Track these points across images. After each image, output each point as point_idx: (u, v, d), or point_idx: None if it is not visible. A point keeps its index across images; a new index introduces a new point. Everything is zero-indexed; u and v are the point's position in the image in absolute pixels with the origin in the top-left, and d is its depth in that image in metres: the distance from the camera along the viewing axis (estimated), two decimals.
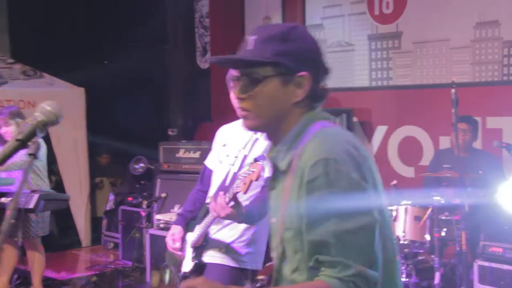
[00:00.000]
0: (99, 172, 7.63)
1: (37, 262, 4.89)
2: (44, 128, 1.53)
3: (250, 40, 1.53)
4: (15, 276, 5.08)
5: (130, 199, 6.50)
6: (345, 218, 1.37)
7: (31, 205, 4.49)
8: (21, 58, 6.80)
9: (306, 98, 1.53)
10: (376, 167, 1.50)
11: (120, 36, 6.98)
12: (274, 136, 1.57)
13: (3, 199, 4.43)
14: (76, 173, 6.82)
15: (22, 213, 4.55)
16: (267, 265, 2.01)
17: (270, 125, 1.55)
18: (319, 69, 1.56)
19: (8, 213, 4.50)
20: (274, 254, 1.59)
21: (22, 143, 1.51)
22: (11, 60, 6.72)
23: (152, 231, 5.41)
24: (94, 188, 7.43)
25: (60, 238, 6.85)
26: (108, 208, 6.91)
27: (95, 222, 7.13)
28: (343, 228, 1.36)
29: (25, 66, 6.70)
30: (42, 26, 6.80)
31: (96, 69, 6.67)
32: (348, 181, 1.39)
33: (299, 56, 1.51)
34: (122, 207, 6.49)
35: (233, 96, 1.55)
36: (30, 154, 1.51)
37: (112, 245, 6.81)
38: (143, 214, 5.83)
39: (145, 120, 6.85)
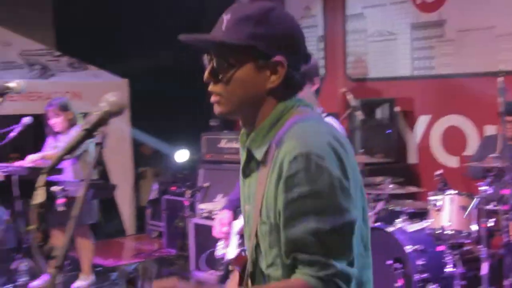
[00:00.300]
0: (142, 162, 7.77)
1: (86, 249, 5.04)
2: (109, 118, 1.58)
3: (225, 19, 1.43)
4: (67, 262, 5.24)
5: (173, 188, 6.62)
6: (325, 216, 1.31)
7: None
8: (67, 51, 6.96)
9: (282, 85, 1.43)
10: (355, 159, 1.44)
11: (161, 27, 7.06)
12: (247, 123, 1.49)
13: (54, 188, 4.56)
14: (120, 163, 6.97)
15: (73, 201, 4.69)
16: (237, 255, 1.89)
17: (242, 111, 1.47)
18: (297, 55, 1.45)
19: (62, 201, 4.59)
20: (248, 244, 1.53)
21: (88, 133, 1.56)
22: (58, 53, 6.90)
23: (196, 220, 5.49)
24: (138, 177, 7.58)
25: (105, 227, 7.01)
26: (152, 198, 7.04)
27: (139, 211, 7.27)
28: (322, 226, 1.30)
29: (71, 59, 6.86)
30: (86, 19, 6.94)
31: (139, 61, 6.77)
32: (329, 178, 1.32)
33: (275, 40, 1.41)
34: (166, 196, 6.61)
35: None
36: (97, 144, 1.58)
37: (156, 233, 6.94)
38: (187, 203, 5.91)
39: (187, 110, 6.93)
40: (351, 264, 1.35)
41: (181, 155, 6.62)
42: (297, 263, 1.34)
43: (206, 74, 1.46)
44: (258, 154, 1.44)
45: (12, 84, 2.48)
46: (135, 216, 7.22)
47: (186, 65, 7.30)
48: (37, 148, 5.20)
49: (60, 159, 1.57)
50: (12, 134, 4.76)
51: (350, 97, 5.20)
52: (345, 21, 6.50)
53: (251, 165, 1.49)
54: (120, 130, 6.81)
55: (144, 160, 7.87)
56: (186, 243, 5.82)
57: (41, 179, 1.55)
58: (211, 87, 1.46)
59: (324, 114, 3.00)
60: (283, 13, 1.46)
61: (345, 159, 1.36)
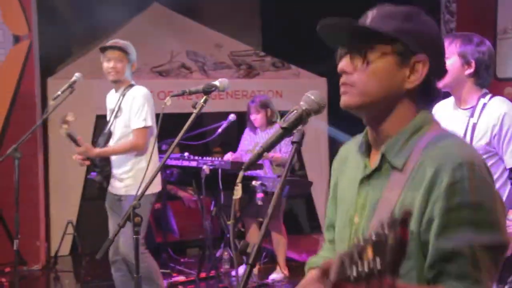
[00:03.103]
0: None
1: (280, 243, 5.20)
2: (308, 117, 1.58)
3: (370, 14, 1.39)
4: (264, 253, 5.47)
5: None
6: (484, 230, 1.23)
7: None
8: (271, 51, 7.27)
9: (420, 89, 1.35)
10: None
11: None
12: (374, 122, 1.39)
13: (254, 182, 4.78)
14: (317, 161, 7.07)
15: (269, 197, 4.88)
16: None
17: (374, 108, 1.36)
18: (440, 59, 1.38)
19: (261, 195, 4.80)
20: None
21: (287, 131, 1.58)
22: (263, 53, 7.23)
23: None
24: None
25: (302, 222, 7.16)
26: None
27: None
28: (481, 241, 1.22)
29: (274, 58, 7.14)
30: (290, 21, 7.16)
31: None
32: (492, 192, 1.27)
33: (421, 38, 1.34)
34: None
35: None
36: (293, 142, 1.59)
37: None
38: None
39: None
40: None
41: None
42: (443, 275, 1.26)
43: (342, 64, 1.39)
44: (398, 161, 1.34)
45: (216, 83, 2.64)
46: None
47: None
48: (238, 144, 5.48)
49: (260, 156, 1.61)
50: (219, 130, 5.09)
51: None
52: None
53: (378, 172, 1.38)
54: (318, 127, 6.91)
55: None
56: None
57: (240, 175, 1.60)
58: (344, 79, 1.39)
59: None
60: (430, 17, 1.41)
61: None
